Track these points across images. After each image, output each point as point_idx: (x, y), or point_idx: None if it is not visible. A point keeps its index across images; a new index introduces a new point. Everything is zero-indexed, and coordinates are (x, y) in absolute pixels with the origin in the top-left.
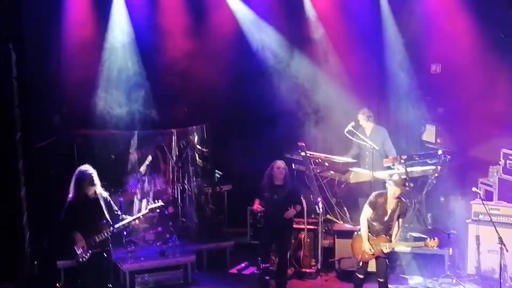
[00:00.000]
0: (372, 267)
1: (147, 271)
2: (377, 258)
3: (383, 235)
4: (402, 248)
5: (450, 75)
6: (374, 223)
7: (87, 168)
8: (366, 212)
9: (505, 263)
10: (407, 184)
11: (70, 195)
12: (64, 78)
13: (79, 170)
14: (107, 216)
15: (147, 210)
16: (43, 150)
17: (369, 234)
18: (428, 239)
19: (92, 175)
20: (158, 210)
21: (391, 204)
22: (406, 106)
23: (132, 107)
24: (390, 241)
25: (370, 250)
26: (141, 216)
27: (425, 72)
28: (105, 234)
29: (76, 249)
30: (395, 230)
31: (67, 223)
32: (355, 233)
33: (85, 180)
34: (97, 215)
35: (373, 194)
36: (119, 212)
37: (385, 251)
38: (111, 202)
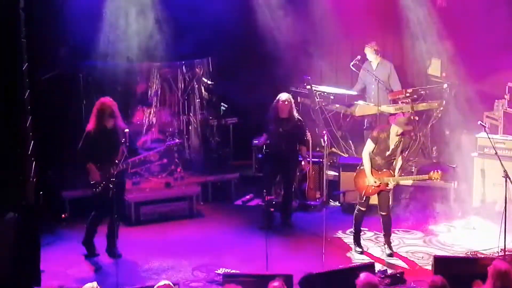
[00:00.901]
0: (374, 200)
1: (152, 202)
2: (379, 192)
3: (386, 169)
4: (406, 181)
5: (456, 8)
6: (376, 158)
7: (108, 100)
8: (369, 147)
9: (510, 197)
10: (410, 123)
11: (90, 126)
12: (71, 9)
13: (100, 101)
14: (124, 150)
15: (165, 147)
16: (49, 82)
17: (373, 169)
18: (432, 171)
19: (113, 107)
20: (175, 148)
21: (393, 140)
22: (412, 39)
23: (138, 39)
24: (393, 175)
25: (375, 182)
26: (157, 152)
27: (430, 5)
28: (120, 166)
29: (90, 179)
30: (398, 164)
31: (84, 153)
32: (358, 168)
33: (105, 112)
34: (113, 147)
35: (376, 129)
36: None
37: (390, 185)
38: (131, 137)
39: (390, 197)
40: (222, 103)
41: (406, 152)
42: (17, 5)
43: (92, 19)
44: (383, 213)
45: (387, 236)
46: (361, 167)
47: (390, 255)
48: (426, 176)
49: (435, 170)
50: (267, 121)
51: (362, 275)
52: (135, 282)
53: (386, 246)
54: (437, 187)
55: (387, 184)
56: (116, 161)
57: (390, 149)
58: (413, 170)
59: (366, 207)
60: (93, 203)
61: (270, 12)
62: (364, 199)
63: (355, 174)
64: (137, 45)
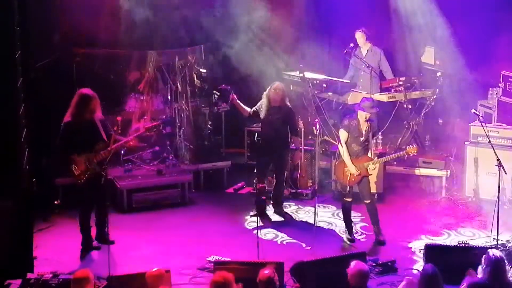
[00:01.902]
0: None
1: (144, 190)
2: (359, 180)
3: (363, 155)
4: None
5: None
6: (352, 145)
7: (90, 91)
8: (343, 136)
9: (503, 186)
10: (374, 106)
11: (67, 117)
12: None
13: (81, 93)
14: (104, 137)
15: (144, 130)
16: (43, 69)
17: (351, 156)
18: (408, 146)
19: (95, 99)
20: (154, 130)
21: (363, 126)
22: (406, 27)
23: (132, 27)
24: (372, 159)
25: (356, 170)
26: (137, 136)
27: None
28: (103, 155)
29: (74, 170)
30: (371, 148)
31: (65, 145)
32: (336, 159)
33: (87, 104)
34: (94, 136)
35: (345, 119)
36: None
37: (371, 169)
38: (106, 123)
39: (373, 183)
40: (214, 91)
41: (375, 137)
42: None
43: (87, 5)
44: (367, 201)
45: (376, 224)
46: (340, 158)
47: (381, 243)
48: (403, 153)
49: (411, 145)
50: (258, 109)
51: (353, 263)
52: (127, 269)
53: (376, 234)
54: (430, 176)
55: (367, 170)
56: (100, 150)
57: (364, 135)
58: (405, 159)
59: (351, 197)
60: (78, 195)
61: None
62: (348, 189)
63: (334, 167)
64: (130, 33)
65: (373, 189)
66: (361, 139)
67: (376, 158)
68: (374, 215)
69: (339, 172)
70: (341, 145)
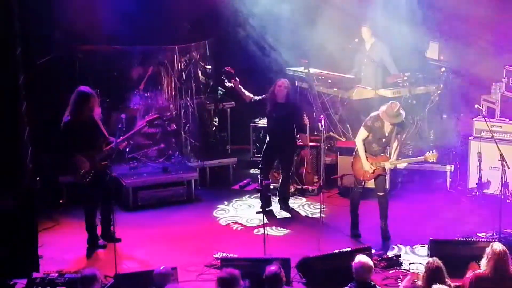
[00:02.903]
0: (370, 184)
1: (150, 187)
2: (376, 177)
3: (382, 154)
4: (402, 164)
5: None
6: (373, 145)
7: (87, 89)
8: (362, 135)
9: (506, 180)
10: (399, 114)
11: (67, 116)
12: None
13: (79, 91)
14: (105, 134)
15: (145, 123)
16: (44, 66)
17: (369, 154)
18: (427, 152)
19: (94, 97)
20: (156, 122)
21: (388, 127)
22: (410, 22)
23: (134, 22)
24: (389, 158)
25: (371, 168)
26: (139, 130)
27: None
28: (105, 152)
29: (79, 171)
30: (394, 146)
31: (67, 145)
32: (354, 153)
33: (84, 101)
34: (95, 134)
35: (370, 118)
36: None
37: (387, 168)
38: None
39: (387, 178)
40: (219, 87)
41: (404, 135)
42: None
43: (87, 2)
44: (380, 194)
45: (384, 218)
46: (357, 152)
47: (387, 238)
48: (422, 158)
49: (431, 151)
50: (263, 104)
51: (358, 257)
52: (133, 267)
53: (382, 229)
54: (433, 171)
55: (384, 169)
56: (104, 147)
57: (386, 136)
58: (410, 153)
59: (362, 189)
60: (84, 194)
61: None
62: (362, 184)
63: (352, 160)
64: (132, 28)
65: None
66: (383, 140)
67: (394, 158)
68: (384, 209)
69: (355, 166)
70: (358, 142)
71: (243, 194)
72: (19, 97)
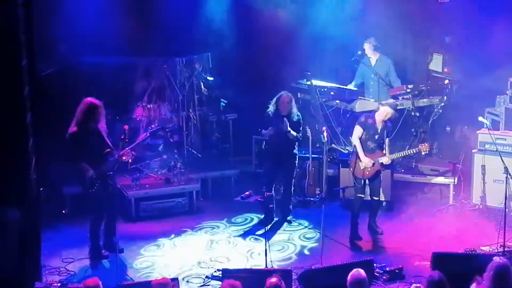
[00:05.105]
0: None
1: (152, 198)
2: (372, 176)
3: (378, 151)
4: (398, 156)
5: (458, 3)
6: (368, 142)
7: (96, 101)
8: (357, 132)
9: (510, 193)
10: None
11: (73, 127)
12: (71, 4)
13: (87, 101)
14: (110, 145)
15: (148, 134)
16: (49, 78)
17: (366, 152)
18: (420, 145)
19: (101, 108)
20: (160, 133)
21: (379, 124)
22: (413, 35)
23: (139, 35)
24: (385, 154)
25: (370, 162)
26: (142, 141)
27: (432, 0)
28: (110, 162)
29: (86, 180)
30: (386, 141)
31: (73, 156)
32: (350, 155)
33: (91, 112)
34: (100, 144)
35: (362, 116)
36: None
37: (385, 162)
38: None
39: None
40: (222, 99)
41: (389, 138)
42: (16, 1)
43: (93, 13)
44: (376, 198)
45: (373, 217)
46: (355, 150)
47: (379, 233)
48: (415, 149)
49: (423, 143)
50: (266, 116)
51: (351, 273)
52: (135, 277)
53: (372, 229)
54: (437, 184)
55: (382, 164)
56: (109, 157)
57: (379, 132)
58: (413, 166)
59: (364, 193)
60: (90, 205)
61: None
62: (362, 182)
63: (350, 160)
64: (136, 40)
65: (382, 197)
66: (376, 136)
67: (389, 152)
68: (375, 212)
69: (354, 162)
70: (354, 139)
71: (244, 207)
72: (24, 108)
